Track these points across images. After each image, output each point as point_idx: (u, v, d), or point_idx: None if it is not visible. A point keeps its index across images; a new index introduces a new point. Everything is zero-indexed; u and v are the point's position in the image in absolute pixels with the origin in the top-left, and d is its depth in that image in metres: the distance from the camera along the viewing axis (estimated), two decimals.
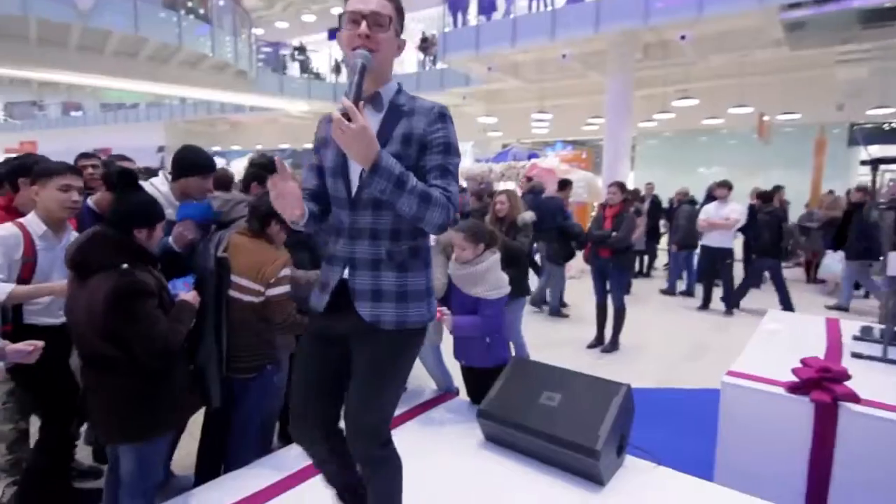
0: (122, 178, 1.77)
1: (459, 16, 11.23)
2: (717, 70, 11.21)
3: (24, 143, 24.10)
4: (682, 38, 8.49)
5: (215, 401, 2.27)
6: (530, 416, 2.17)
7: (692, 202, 7.45)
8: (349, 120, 1.16)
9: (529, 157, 9.76)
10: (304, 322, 2.21)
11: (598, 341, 4.76)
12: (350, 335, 1.43)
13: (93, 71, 12.89)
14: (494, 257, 2.48)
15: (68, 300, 1.71)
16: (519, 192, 5.86)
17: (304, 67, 17.55)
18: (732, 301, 6.10)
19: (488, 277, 2.42)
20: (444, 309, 2.41)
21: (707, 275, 6.37)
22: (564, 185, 6.25)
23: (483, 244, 2.46)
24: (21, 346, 1.63)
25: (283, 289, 2.17)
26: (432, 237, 2.45)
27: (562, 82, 12.14)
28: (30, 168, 2.09)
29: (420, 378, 2.86)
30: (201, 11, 12.88)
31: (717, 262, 6.11)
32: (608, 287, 4.62)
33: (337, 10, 18.20)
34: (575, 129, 14.65)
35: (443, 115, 1.39)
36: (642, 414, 2.30)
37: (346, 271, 1.40)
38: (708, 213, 6.08)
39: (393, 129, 1.35)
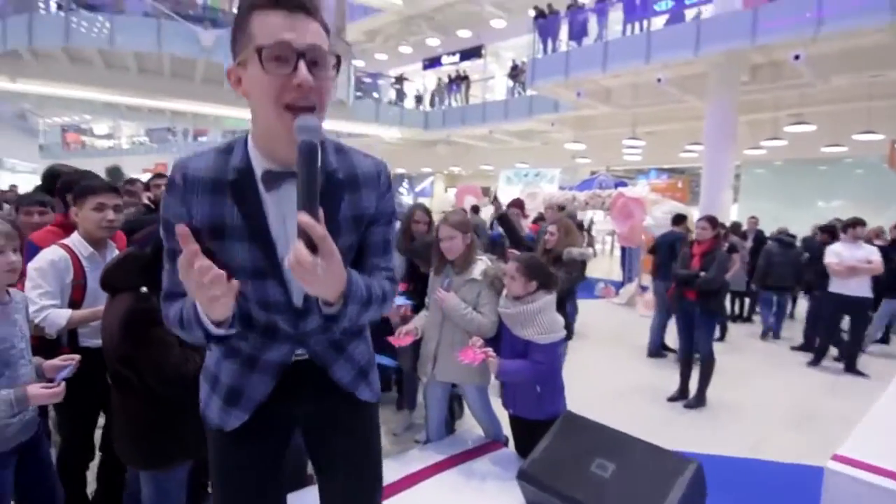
0: (159, 203, 1.80)
1: (549, 42, 11.10)
2: (839, 92, 9.99)
3: (158, 165, 27.39)
4: (797, 57, 7.66)
5: None
6: (577, 485, 1.90)
7: (784, 241, 6.57)
8: (312, 248, 0.80)
9: (616, 186, 9.26)
10: None
11: (680, 394, 4.25)
12: (302, 422, 1.21)
13: (214, 101, 14.31)
14: (548, 298, 2.28)
15: (101, 319, 1.75)
16: (609, 223, 5.60)
17: (401, 96, 18.27)
18: (854, 358, 5.23)
19: (541, 319, 2.22)
20: (490, 350, 2.23)
21: (831, 327, 5.42)
22: (680, 219, 5.79)
23: (536, 282, 2.28)
24: (57, 361, 1.66)
25: None
26: (478, 270, 2.31)
27: (656, 107, 11.49)
28: (74, 185, 2.11)
29: (466, 422, 2.68)
30: None
31: (851, 313, 5.14)
32: (695, 333, 4.14)
33: (433, 42, 19.03)
34: (671, 156, 13.80)
35: (389, 180, 1.13)
36: (725, 488, 1.95)
37: (296, 356, 1.13)
38: (839, 254, 5.07)
39: (337, 209, 1.01)
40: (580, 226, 6.74)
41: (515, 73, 15.09)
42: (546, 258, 3.11)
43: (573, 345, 5.37)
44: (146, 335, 1.60)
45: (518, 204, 5.44)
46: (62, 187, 2.33)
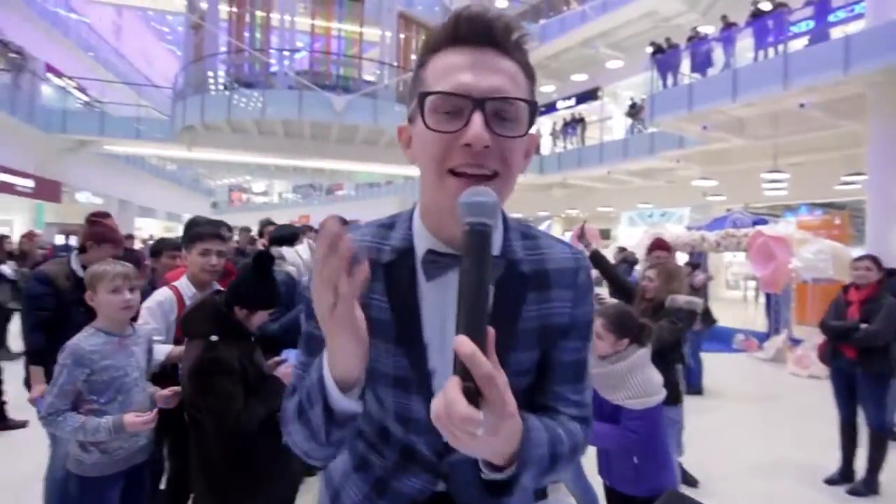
0: (257, 258, 1.90)
1: (669, 77, 10.54)
2: None
3: (302, 217, 30.70)
4: None
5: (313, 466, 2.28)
6: None
7: None
8: (474, 401, 0.52)
9: (754, 224, 8.23)
10: None
11: (842, 476, 3.46)
12: None
13: (346, 158, 15.75)
14: (639, 354, 1.98)
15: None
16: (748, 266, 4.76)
17: None
18: None
19: (633, 380, 1.94)
20: None
21: None
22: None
23: (627, 339, 2.00)
24: (166, 392, 1.83)
25: None
26: None
27: (801, 135, 10.19)
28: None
29: (558, 490, 2.42)
30: None
31: None
32: (860, 399, 3.39)
33: (548, 88, 19.22)
34: (824, 189, 12.02)
35: (590, 281, 0.84)
36: None
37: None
38: None
39: (517, 313, 0.76)
40: (695, 266, 5.94)
41: (634, 111, 14.52)
42: (644, 307, 2.77)
43: (701, 405, 4.74)
44: (210, 384, 1.66)
45: (661, 245, 3.95)
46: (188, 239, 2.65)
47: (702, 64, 9.79)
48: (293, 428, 0.74)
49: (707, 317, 4.69)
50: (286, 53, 13.30)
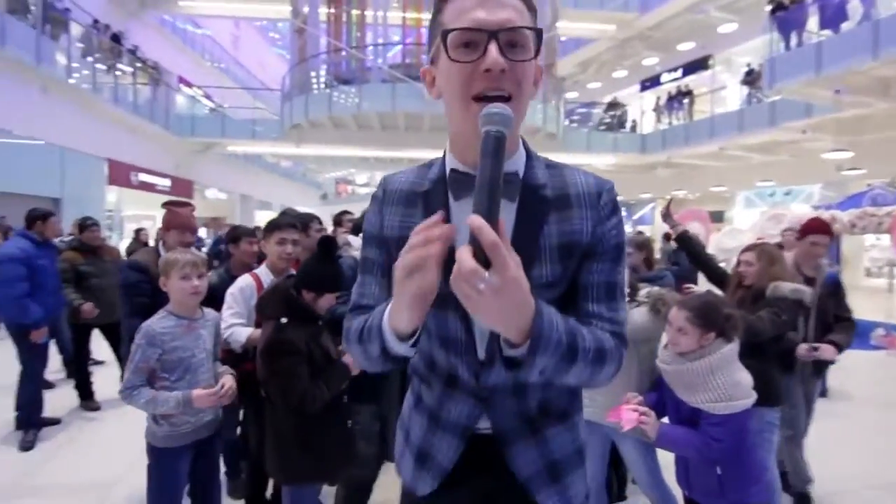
0: (322, 242, 1.99)
1: (793, 36, 9.30)
2: None
3: None
4: None
5: (390, 451, 2.34)
6: None
7: None
8: (484, 263, 0.62)
9: None
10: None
11: None
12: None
13: (439, 147, 15.98)
14: (724, 351, 1.76)
15: None
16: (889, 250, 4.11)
17: (621, 122, 17.50)
18: None
19: (714, 381, 1.73)
20: (649, 414, 1.79)
21: None
22: None
23: (714, 332, 1.80)
24: (225, 388, 1.94)
25: None
26: (644, 291, 2.01)
27: None
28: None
29: (633, 492, 2.27)
30: None
31: None
32: None
33: (650, 61, 17.92)
34: None
35: (616, 203, 0.90)
36: None
37: (480, 430, 0.94)
38: None
39: (540, 232, 0.85)
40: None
41: (751, 78, 13.04)
42: (741, 295, 2.47)
43: (823, 409, 4.20)
44: (277, 364, 1.77)
45: (819, 227, 2.91)
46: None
47: (834, 18, 8.50)
48: (353, 348, 0.89)
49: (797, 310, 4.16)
50: (380, 48, 13.71)
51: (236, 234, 2.71)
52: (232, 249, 2.71)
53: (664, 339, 1.93)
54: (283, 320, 1.83)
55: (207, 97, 19.69)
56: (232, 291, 2.27)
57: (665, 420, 1.90)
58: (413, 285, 0.68)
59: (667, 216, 3.00)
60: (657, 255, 4.27)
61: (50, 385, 4.49)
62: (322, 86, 14.24)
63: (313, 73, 14.52)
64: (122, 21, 15.62)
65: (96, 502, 2.76)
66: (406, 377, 2.45)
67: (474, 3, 0.77)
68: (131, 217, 16.12)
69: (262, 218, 24.61)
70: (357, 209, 3.61)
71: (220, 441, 2.11)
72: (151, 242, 8.84)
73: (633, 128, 17.31)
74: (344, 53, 13.92)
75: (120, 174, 13.92)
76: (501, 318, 0.68)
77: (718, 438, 1.71)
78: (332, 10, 13.90)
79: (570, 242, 0.86)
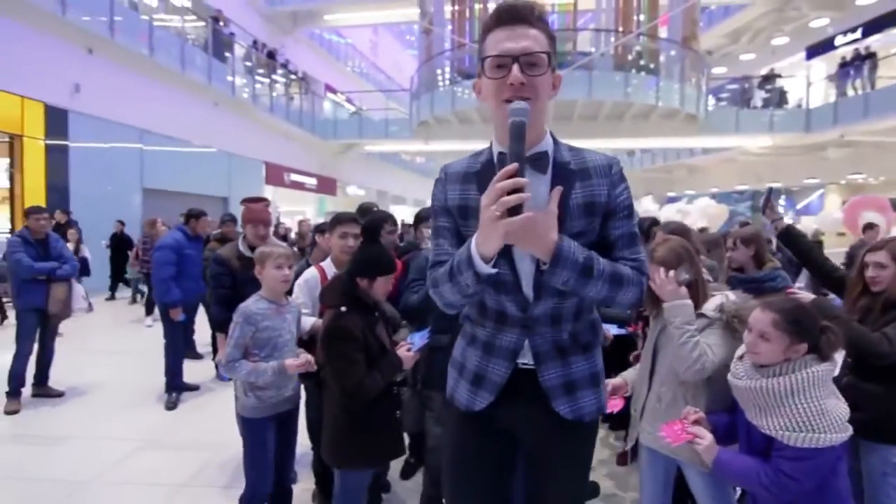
0: (365, 231, 2.08)
1: None
2: None
3: None
4: None
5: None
6: None
7: None
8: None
9: None
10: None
11: None
12: (525, 430, 1.31)
13: (562, 136, 15.50)
14: (814, 370, 1.44)
15: None
16: None
17: (781, 96, 15.30)
18: None
19: (794, 404, 1.42)
20: (703, 432, 1.57)
21: None
22: None
23: (805, 344, 1.48)
24: (300, 361, 2.15)
25: None
26: (712, 304, 1.76)
27: None
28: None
29: None
30: (651, 66, 13.46)
31: None
32: None
33: (819, 23, 15.26)
34: None
35: (622, 174, 1.21)
36: None
37: (521, 364, 1.25)
38: None
39: (569, 195, 1.15)
40: None
41: None
42: (865, 304, 2.02)
43: None
44: (336, 349, 1.87)
45: None
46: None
47: None
48: (444, 287, 1.17)
49: None
50: None
51: (322, 228, 2.95)
52: (319, 240, 2.95)
53: (741, 349, 1.67)
54: (342, 309, 1.94)
55: (349, 101, 21.43)
56: (299, 283, 2.46)
57: (735, 448, 1.65)
58: (506, 221, 0.98)
59: (768, 207, 2.57)
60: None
61: (199, 356, 5.34)
62: (447, 82, 14.64)
63: (439, 71, 14.99)
64: (278, 39, 17.67)
65: (211, 457, 3.25)
66: None
67: (505, 37, 1.10)
68: (285, 213, 18.25)
69: (396, 212, 26.23)
70: None
71: (297, 415, 2.34)
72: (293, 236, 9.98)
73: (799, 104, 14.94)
74: (468, 48, 14.13)
75: (275, 175, 15.88)
76: (530, 242, 1.05)
77: (793, 476, 1.41)
78: (457, 7, 14.19)
79: (592, 202, 1.16)
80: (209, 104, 12.52)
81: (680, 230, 2.44)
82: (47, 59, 8.58)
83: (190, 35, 12.16)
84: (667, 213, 14.16)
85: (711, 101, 15.33)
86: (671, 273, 1.77)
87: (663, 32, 13.99)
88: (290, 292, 2.30)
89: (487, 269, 1.08)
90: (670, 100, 13.37)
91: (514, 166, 0.97)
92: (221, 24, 13.16)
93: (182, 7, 12.26)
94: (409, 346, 2.06)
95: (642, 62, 13.50)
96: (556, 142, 1.21)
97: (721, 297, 1.79)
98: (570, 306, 1.22)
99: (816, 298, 2.15)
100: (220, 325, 2.70)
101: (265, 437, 2.15)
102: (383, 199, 23.33)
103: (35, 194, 8.67)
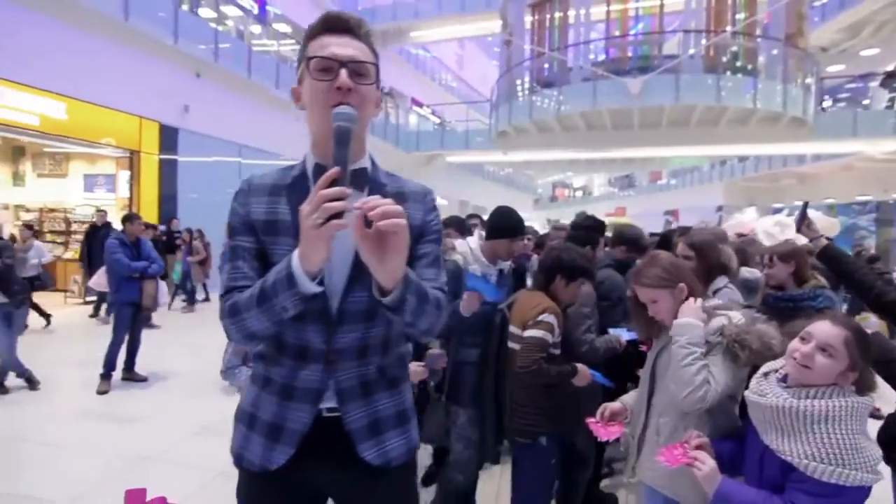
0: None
1: None
2: None
3: (618, 209, 30.20)
4: None
5: (488, 454, 2.35)
6: None
7: None
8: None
9: None
10: (552, 372, 2.07)
11: None
12: (332, 485, 1.15)
13: (650, 144, 14.75)
14: (857, 401, 1.27)
15: None
16: None
17: None
18: None
19: (827, 433, 1.25)
20: (704, 457, 1.42)
21: None
22: None
23: (858, 373, 1.31)
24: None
25: (536, 332, 2.09)
26: (713, 325, 1.61)
27: None
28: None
29: None
30: (749, 67, 12.44)
31: None
32: None
33: None
34: None
35: (435, 204, 1.20)
36: None
37: (325, 409, 1.09)
38: None
39: None
40: None
41: None
42: None
43: None
44: None
45: None
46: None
47: None
48: (248, 315, 1.01)
49: None
50: (581, 48, 13.36)
51: None
52: None
53: (772, 364, 1.50)
54: None
55: (435, 114, 22.01)
56: None
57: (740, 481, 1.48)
58: (333, 227, 0.87)
59: (802, 225, 2.28)
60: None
61: None
62: (526, 92, 14.56)
63: (518, 81, 14.95)
64: None
65: None
66: (500, 379, 2.44)
67: (331, 42, 1.04)
68: None
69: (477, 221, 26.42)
70: (570, 213, 3.48)
71: None
72: None
73: None
74: (546, 57, 13.98)
75: None
76: (397, 255, 0.91)
77: None
78: (536, 17, 14.12)
79: (409, 225, 1.01)
80: (298, 119, 13.46)
81: (704, 243, 2.23)
82: (162, 83, 9.75)
83: (286, 56, 13.21)
84: (764, 226, 12.90)
85: (825, 102, 13.81)
86: (699, 301, 1.65)
87: (763, 30, 12.89)
88: None
89: (313, 287, 0.96)
90: (772, 102, 12.22)
91: (336, 170, 0.88)
92: None
93: (282, 33, 13.36)
94: (423, 365, 2.07)
95: (738, 63, 12.53)
96: (374, 164, 1.15)
97: (723, 319, 1.61)
98: (377, 335, 1.11)
99: (875, 333, 1.89)
100: None
101: None
102: (464, 208, 23.58)
103: (150, 203, 9.85)
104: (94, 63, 8.38)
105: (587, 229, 2.77)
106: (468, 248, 2.49)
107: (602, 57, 13.83)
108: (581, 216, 3.10)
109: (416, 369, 2.03)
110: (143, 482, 1.11)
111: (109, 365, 4.57)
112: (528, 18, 14.32)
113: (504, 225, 2.44)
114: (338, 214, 0.86)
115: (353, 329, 1.08)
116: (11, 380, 4.47)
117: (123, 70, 8.88)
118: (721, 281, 2.14)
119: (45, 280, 6.12)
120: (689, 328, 1.60)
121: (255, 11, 13.63)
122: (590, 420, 1.79)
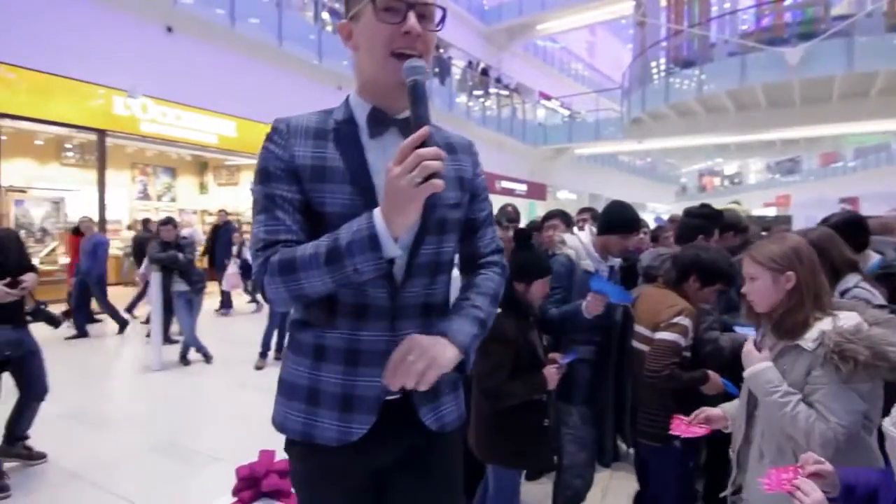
0: (517, 236, 2.12)
1: None
2: None
3: (779, 197, 26.52)
4: None
5: (606, 456, 2.31)
6: None
7: None
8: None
9: None
10: (683, 378, 1.96)
11: None
12: (389, 456, 1.06)
13: (817, 120, 12.76)
14: None
15: None
16: None
17: None
18: None
19: None
20: (809, 486, 1.13)
21: None
22: None
23: None
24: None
25: (669, 335, 1.95)
26: (812, 333, 1.40)
27: None
28: None
29: None
30: None
31: None
32: None
33: None
34: None
35: (478, 157, 1.17)
36: None
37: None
38: None
39: None
40: None
41: None
42: None
43: None
44: (486, 348, 1.77)
45: None
46: None
47: None
48: (308, 274, 0.89)
49: None
50: (726, 19, 12.00)
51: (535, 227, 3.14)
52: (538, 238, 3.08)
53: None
54: (499, 310, 2.05)
55: (565, 106, 21.45)
56: None
57: None
58: (431, 188, 0.81)
59: None
60: None
61: None
62: (662, 74, 13.52)
63: (653, 63, 13.95)
64: (495, 55, 18.76)
65: None
66: (619, 380, 2.31)
67: None
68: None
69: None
70: (718, 204, 3.11)
71: None
72: None
73: None
74: (686, 35, 12.82)
75: (488, 183, 16.84)
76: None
77: None
78: None
79: (461, 177, 1.09)
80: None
81: (822, 240, 1.80)
82: (309, 97, 10.89)
83: None
84: None
85: None
86: (764, 352, 1.46)
87: None
88: None
89: (397, 251, 0.88)
90: None
91: (426, 129, 0.82)
92: (441, 50, 14.68)
93: None
94: (559, 365, 2.01)
95: None
96: None
97: (828, 322, 1.35)
98: (439, 292, 1.06)
99: None
100: None
101: None
102: (596, 201, 22.59)
103: None
104: (256, 84, 9.65)
105: (700, 217, 2.55)
106: (579, 243, 2.41)
107: (748, 28, 12.28)
108: (702, 208, 2.82)
109: (550, 372, 1.95)
110: (276, 445, 1.26)
111: (265, 345, 5.30)
112: None
113: (617, 220, 2.33)
114: (433, 174, 0.81)
115: (419, 284, 1.02)
116: (192, 354, 5.46)
117: (277, 88, 10.09)
118: (852, 279, 1.82)
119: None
120: (755, 379, 1.43)
121: None
122: (677, 416, 1.69)
